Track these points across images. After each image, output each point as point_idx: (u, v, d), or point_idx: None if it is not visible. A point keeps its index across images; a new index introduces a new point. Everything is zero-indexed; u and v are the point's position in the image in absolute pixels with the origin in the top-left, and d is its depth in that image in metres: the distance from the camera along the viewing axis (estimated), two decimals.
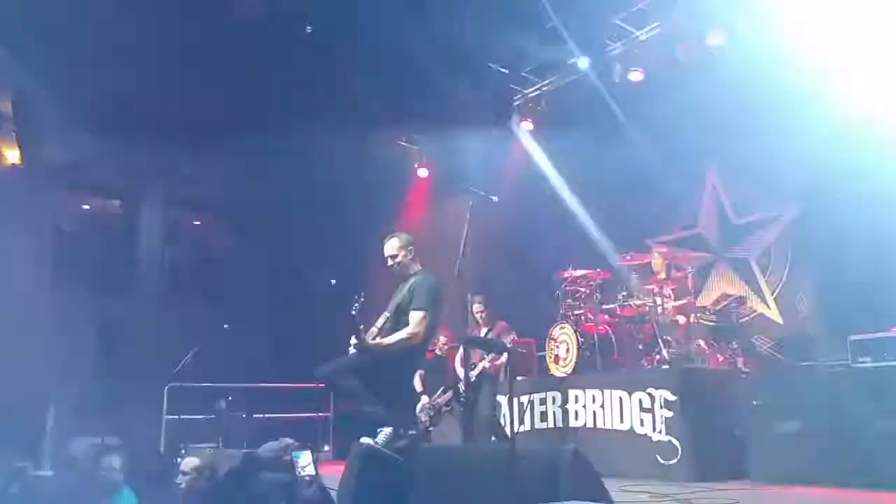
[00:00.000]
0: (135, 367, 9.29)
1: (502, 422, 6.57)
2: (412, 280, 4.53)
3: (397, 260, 4.50)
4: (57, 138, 8.39)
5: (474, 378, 5.79)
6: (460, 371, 5.92)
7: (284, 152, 10.99)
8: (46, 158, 8.39)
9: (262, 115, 9.66)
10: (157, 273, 11.53)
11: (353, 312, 4.22)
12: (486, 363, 5.96)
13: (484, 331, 6.18)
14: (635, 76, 7.27)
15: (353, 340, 4.32)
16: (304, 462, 3.51)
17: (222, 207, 12.65)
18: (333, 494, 3.52)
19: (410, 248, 4.54)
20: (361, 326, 4.21)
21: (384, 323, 4.51)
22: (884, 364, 4.66)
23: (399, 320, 4.49)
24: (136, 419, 8.40)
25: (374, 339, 4.38)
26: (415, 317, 4.33)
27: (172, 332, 9.47)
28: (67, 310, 9.77)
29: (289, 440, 4.32)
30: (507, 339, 5.99)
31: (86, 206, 11.74)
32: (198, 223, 13.20)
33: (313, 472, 3.46)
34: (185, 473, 3.65)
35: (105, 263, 11.14)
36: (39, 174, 9.12)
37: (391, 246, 4.52)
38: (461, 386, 5.79)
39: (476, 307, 6.17)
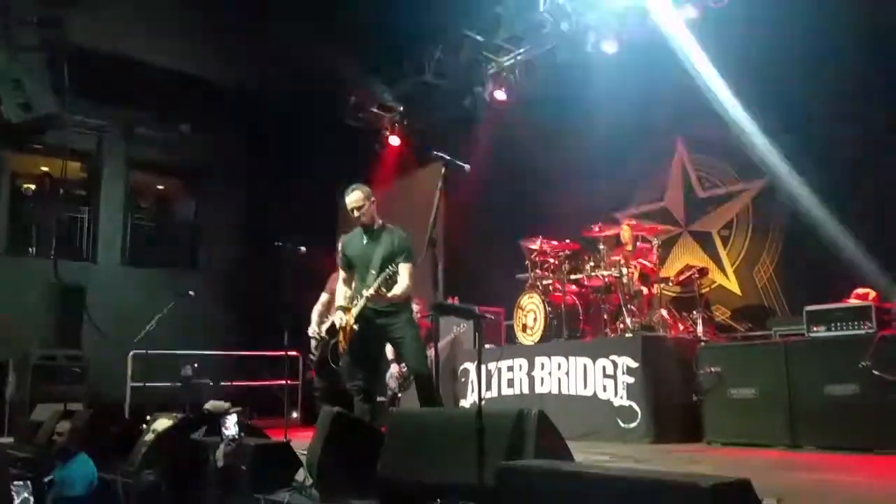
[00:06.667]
0: (98, 334, 9.15)
1: (470, 388, 6.70)
2: (389, 232, 4.48)
3: (363, 210, 4.44)
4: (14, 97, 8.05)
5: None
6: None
7: (254, 114, 10.79)
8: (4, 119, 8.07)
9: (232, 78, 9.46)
10: (120, 237, 11.32)
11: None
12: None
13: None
14: (609, 46, 7.22)
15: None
16: (230, 424, 3.68)
17: (186, 171, 12.41)
18: (303, 458, 3.58)
19: (373, 198, 4.50)
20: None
21: (376, 279, 4.28)
22: (836, 333, 4.85)
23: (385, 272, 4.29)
24: (102, 386, 8.33)
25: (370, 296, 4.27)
26: (406, 269, 4.29)
27: (136, 297, 9.34)
28: (29, 275, 9.55)
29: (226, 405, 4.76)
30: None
31: (45, 168, 11.40)
32: (161, 187, 12.94)
33: (234, 434, 3.68)
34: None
35: (67, 227, 10.90)
36: None
37: (356, 197, 4.44)
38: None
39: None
